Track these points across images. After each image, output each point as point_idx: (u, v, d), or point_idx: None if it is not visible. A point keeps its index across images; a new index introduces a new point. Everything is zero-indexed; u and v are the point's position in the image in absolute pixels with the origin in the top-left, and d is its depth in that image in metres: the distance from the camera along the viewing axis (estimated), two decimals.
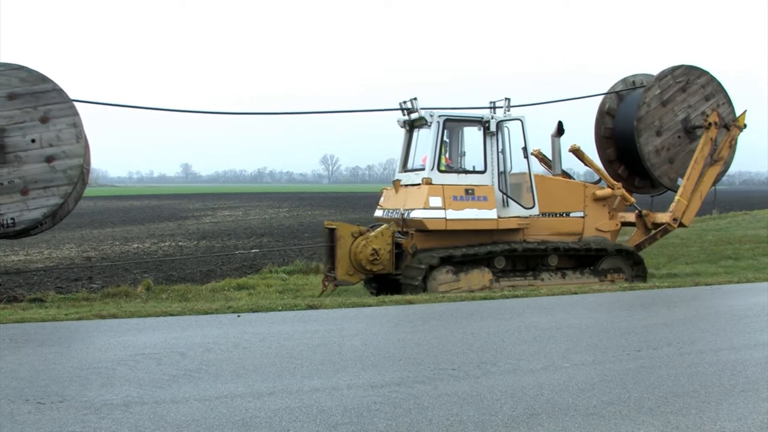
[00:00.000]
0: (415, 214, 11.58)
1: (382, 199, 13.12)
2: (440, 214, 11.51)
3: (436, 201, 11.55)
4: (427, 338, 6.90)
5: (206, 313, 8.49)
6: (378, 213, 13.02)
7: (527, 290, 11.11)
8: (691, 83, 14.00)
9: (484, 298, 9.72)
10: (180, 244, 23.07)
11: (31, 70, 10.72)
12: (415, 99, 12.40)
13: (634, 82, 14.85)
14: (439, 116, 11.93)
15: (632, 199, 13.42)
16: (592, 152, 14.15)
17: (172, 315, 8.37)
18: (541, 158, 14.04)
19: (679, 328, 7.37)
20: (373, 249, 11.68)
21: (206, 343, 6.61)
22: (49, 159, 10.55)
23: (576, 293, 10.31)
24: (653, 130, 13.77)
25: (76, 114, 10.74)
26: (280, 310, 8.71)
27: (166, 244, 23.00)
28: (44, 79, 10.71)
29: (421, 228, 11.75)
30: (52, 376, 5.46)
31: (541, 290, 10.86)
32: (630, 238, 13.97)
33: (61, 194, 10.59)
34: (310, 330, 7.34)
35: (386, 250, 11.79)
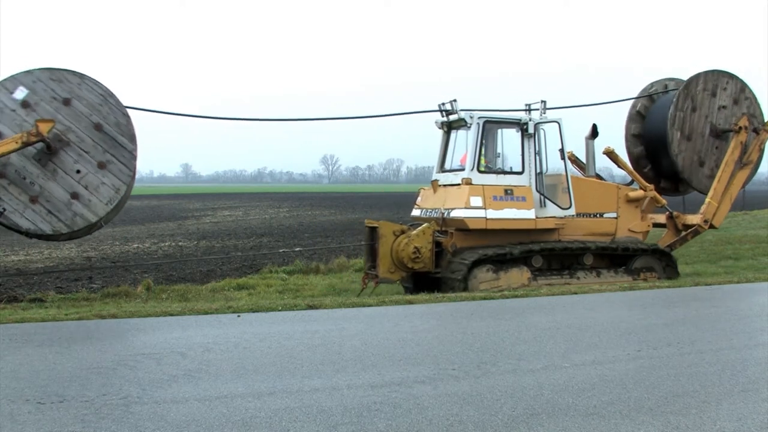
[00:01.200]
0: (456, 214, 11.88)
1: (419, 198, 13.37)
2: (481, 213, 11.81)
3: (476, 201, 11.84)
4: (427, 338, 6.90)
5: (206, 313, 8.49)
6: (416, 212, 13.29)
7: (561, 288, 11.34)
8: (720, 88, 14.29)
9: (484, 298, 9.73)
10: (180, 244, 23.07)
11: (130, 123, 10.92)
12: (455, 101, 12.69)
13: (666, 85, 15.21)
14: (479, 118, 12.22)
15: (663, 201, 13.74)
16: (621, 153, 14.44)
17: (172, 315, 8.37)
18: (573, 160, 14.30)
19: (679, 328, 7.37)
20: (415, 247, 11.93)
21: (206, 343, 6.61)
22: (74, 195, 10.62)
23: (576, 293, 10.31)
24: (684, 135, 14.07)
25: (125, 184, 10.86)
26: (280, 310, 8.71)
27: (166, 244, 23.01)
28: (132, 139, 10.90)
29: (461, 227, 12.03)
30: (52, 376, 5.46)
31: (541, 290, 10.89)
32: (661, 239, 14.31)
33: (54, 229, 10.62)
34: (310, 330, 7.34)
35: (427, 248, 12.02)
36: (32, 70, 10.76)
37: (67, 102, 10.66)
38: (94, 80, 10.92)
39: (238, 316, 8.27)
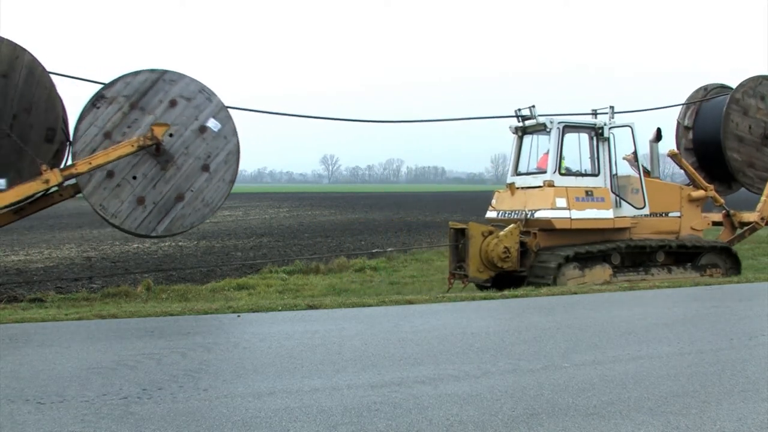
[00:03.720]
0: (542, 214, 12.55)
1: (494, 201, 13.97)
2: (565, 214, 12.49)
3: (561, 202, 12.54)
4: (427, 338, 6.89)
5: (206, 313, 8.49)
6: (491, 214, 13.87)
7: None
8: None
9: (484, 298, 9.73)
10: (180, 244, 23.07)
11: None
12: (533, 107, 13.24)
13: (713, 90, 15.97)
14: (559, 123, 12.86)
15: (722, 200, 14.53)
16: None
17: (172, 315, 8.37)
18: (634, 162, 14.73)
19: (679, 328, 7.37)
20: (505, 247, 12.47)
21: (206, 343, 6.61)
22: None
23: (576, 293, 10.31)
24: (736, 139, 14.90)
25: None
26: (280, 310, 8.71)
27: (166, 244, 23.00)
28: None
29: (546, 227, 12.68)
30: (52, 376, 5.46)
31: (541, 290, 10.92)
32: (719, 236, 15.04)
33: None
34: (310, 330, 7.34)
35: (515, 248, 12.60)
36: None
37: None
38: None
39: (238, 316, 8.27)
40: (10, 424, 4.32)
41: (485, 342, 6.67)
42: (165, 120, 10.58)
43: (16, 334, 7.18)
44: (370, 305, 9.18)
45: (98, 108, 10.53)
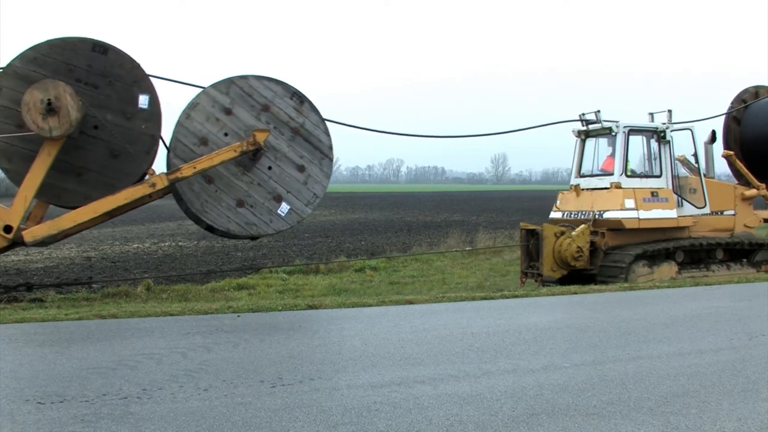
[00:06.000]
0: (612, 215, 13.22)
1: (558, 201, 14.51)
2: (634, 214, 13.16)
3: (630, 203, 13.20)
4: (427, 338, 6.89)
5: (206, 313, 8.49)
6: (555, 215, 14.43)
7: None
8: None
9: (484, 298, 9.72)
10: (180, 244, 23.07)
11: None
12: (599, 111, 13.75)
13: (757, 93, 16.43)
14: (624, 127, 13.49)
15: None
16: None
17: (172, 315, 8.36)
18: (685, 163, 15.08)
19: (679, 328, 7.37)
20: (578, 246, 13.00)
21: (206, 343, 6.61)
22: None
23: (576, 293, 10.31)
24: None
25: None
26: (280, 310, 8.71)
27: (166, 244, 23.01)
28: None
29: (616, 227, 13.31)
30: (52, 376, 5.46)
31: (541, 290, 10.97)
32: None
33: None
34: (310, 330, 7.34)
35: (586, 247, 13.21)
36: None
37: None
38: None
39: (238, 316, 8.27)
40: (10, 424, 4.32)
41: (485, 342, 6.67)
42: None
43: (16, 334, 7.18)
44: (370, 305, 9.18)
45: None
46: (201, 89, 10.78)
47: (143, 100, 10.32)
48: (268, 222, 10.80)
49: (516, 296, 10.03)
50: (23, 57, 10.02)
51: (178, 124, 10.64)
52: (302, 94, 10.99)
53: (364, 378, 5.38)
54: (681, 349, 6.41)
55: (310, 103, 11.00)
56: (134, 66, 10.36)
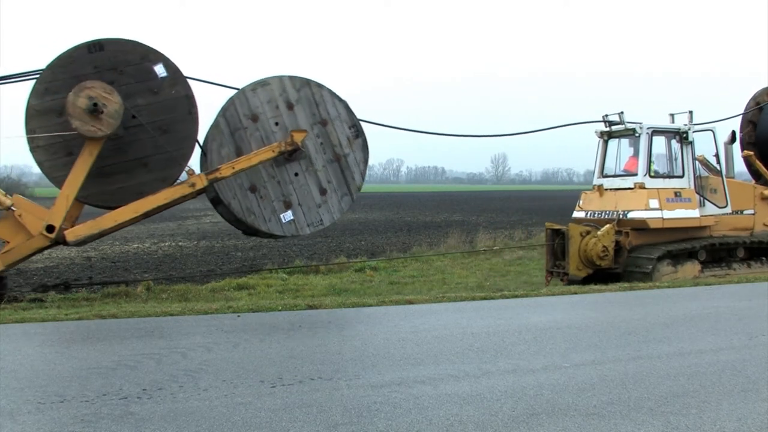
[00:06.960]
0: (636, 215, 13.37)
1: (581, 201, 14.65)
2: (658, 214, 13.33)
3: (654, 203, 13.37)
4: (427, 338, 6.89)
5: (206, 313, 8.49)
6: (579, 214, 14.57)
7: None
8: None
9: (484, 298, 9.72)
10: (180, 244, 23.08)
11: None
12: (622, 113, 13.93)
13: None
14: (648, 128, 13.65)
15: None
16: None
17: (172, 315, 8.37)
18: (704, 163, 15.16)
19: (679, 328, 7.37)
20: (603, 246, 13.13)
21: (206, 343, 6.61)
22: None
23: (576, 293, 10.31)
24: None
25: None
26: (280, 310, 8.71)
27: (166, 244, 23.01)
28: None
29: (640, 227, 13.44)
30: (52, 376, 5.46)
31: (541, 290, 10.96)
32: None
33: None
34: (310, 330, 7.34)
35: (611, 246, 13.31)
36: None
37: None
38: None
39: (238, 316, 8.27)
40: (10, 424, 4.32)
41: (485, 342, 6.67)
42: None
43: (16, 334, 7.18)
44: (370, 305, 9.18)
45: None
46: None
47: (160, 69, 10.45)
48: (266, 219, 10.77)
49: (516, 296, 10.03)
50: (35, 93, 10.21)
51: (242, 91, 10.74)
52: (361, 129, 11.10)
53: (364, 378, 5.38)
54: (681, 349, 6.41)
55: (364, 141, 11.12)
56: (134, 45, 10.45)
